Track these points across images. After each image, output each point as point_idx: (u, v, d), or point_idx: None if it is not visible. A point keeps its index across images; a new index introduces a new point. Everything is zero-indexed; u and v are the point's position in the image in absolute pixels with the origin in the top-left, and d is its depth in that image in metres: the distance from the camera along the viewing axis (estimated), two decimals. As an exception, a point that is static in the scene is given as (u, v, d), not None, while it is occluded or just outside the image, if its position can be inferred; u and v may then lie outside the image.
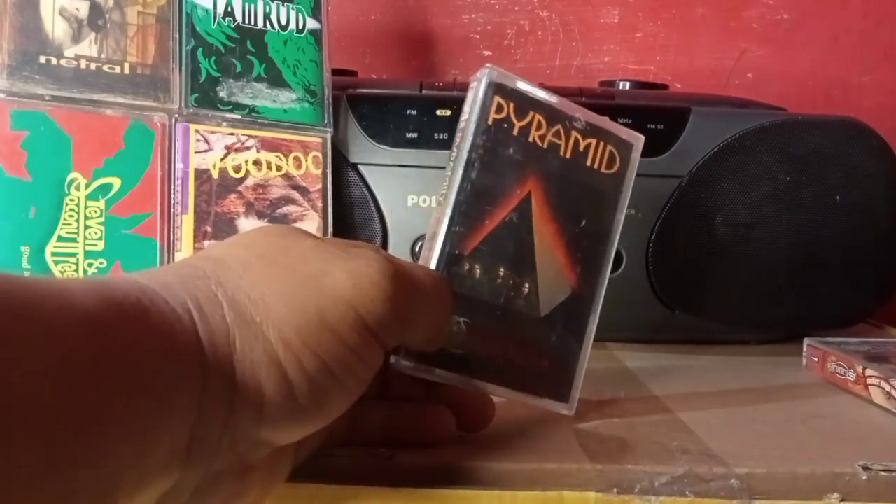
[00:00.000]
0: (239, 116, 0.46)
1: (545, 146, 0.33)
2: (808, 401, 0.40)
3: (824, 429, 0.36)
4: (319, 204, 0.48)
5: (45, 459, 0.17)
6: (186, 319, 0.22)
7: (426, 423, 0.31)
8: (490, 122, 0.32)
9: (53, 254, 0.41)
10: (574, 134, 0.34)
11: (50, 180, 0.41)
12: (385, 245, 0.48)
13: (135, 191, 0.43)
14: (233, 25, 0.47)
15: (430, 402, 0.32)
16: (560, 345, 0.34)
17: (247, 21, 0.48)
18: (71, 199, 0.42)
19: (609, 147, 0.35)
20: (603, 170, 0.35)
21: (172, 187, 0.44)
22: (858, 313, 0.53)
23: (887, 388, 0.38)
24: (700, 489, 0.29)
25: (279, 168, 0.47)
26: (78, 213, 0.42)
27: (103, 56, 0.44)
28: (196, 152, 0.45)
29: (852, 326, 0.53)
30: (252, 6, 0.48)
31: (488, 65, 0.32)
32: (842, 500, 0.30)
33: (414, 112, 0.49)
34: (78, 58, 0.43)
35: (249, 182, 0.46)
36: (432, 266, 0.31)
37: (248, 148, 0.47)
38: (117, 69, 0.44)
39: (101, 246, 0.42)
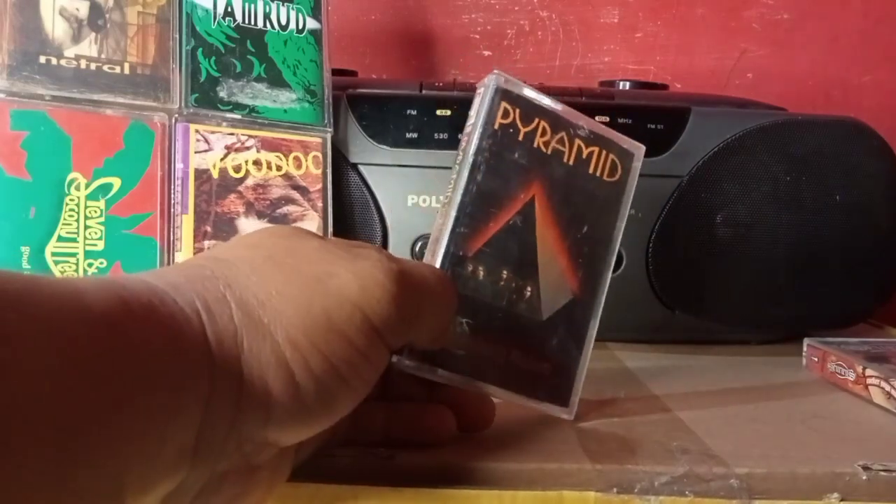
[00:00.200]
0: (239, 116, 0.46)
1: (549, 152, 0.34)
2: (808, 401, 0.40)
3: (824, 429, 0.36)
4: (319, 204, 0.48)
5: (53, 459, 0.17)
6: (195, 320, 0.22)
7: (427, 424, 0.31)
8: (496, 126, 0.32)
9: (53, 254, 0.41)
10: (577, 142, 0.34)
11: (50, 180, 0.41)
12: (385, 245, 0.48)
13: (135, 191, 0.43)
14: (233, 25, 0.47)
15: (431, 403, 0.32)
16: (561, 349, 0.34)
17: (247, 21, 0.48)
18: (71, 199, 0.42)
19: (611, 156, 0.36)
20: (605, 178, 0.35)
21: (172, 187, 0.44)
22: (858, 313, 0.53)
23: (887, 388, 0.38)
24: (700, 489, 0.29)
25: (279, 168, 0.47)
26: (78, 213, 0.42)
27: (103, 56, 0.44)
28: (196, 152, 0.45)
29: (852, 326, 0.53)
30: (252, 6, 0.48)
31: (495, 70, 0.33)
32: (842, 500, 0.30)
33: (414, 112, 0.49)
34: (78, 58, 0.43)
35: (249, 182, 0.46)
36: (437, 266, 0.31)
37: (248, 148, 0.47)
38: (117, 69, 0.44)
39: (101, 246, 0.42)
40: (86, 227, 0.42)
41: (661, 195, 0.49)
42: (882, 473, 0.30)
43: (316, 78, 0.49)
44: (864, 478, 0.30)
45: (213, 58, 0.46)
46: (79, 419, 0.18)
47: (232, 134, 0.46)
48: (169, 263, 0.44)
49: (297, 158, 0.47)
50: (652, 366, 0.47)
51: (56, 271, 0.41)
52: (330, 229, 0.48)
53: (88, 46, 0.43)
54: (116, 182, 0.43)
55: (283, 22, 0.49)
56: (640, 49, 0.80)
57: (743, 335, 0.53)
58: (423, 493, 0.29)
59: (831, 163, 0.50)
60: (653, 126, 0.49)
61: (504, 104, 0.32)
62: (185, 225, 0.44)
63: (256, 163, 0.47)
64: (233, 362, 0.22)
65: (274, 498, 0.27)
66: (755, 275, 0.50)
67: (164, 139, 0.44)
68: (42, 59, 0.42)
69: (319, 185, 0.48)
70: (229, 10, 0.47)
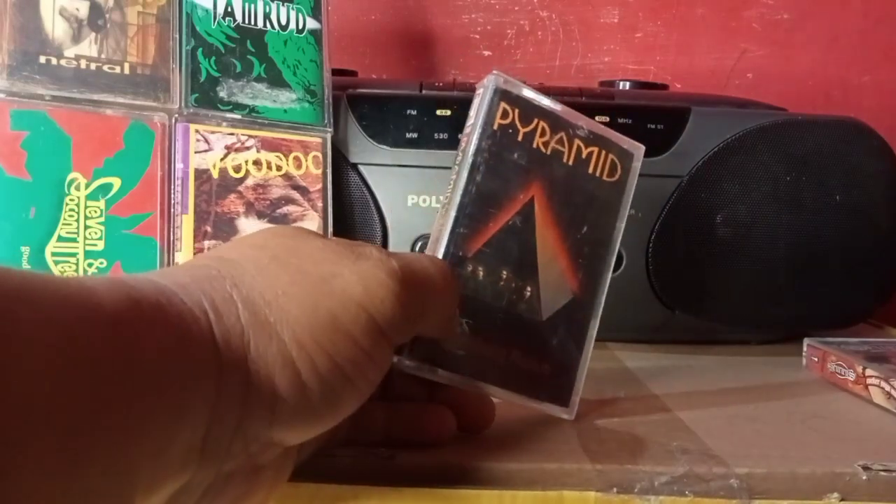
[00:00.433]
0: (239, 116, 0.46)
1: (549, 153, 0.34)
2: (808, 400, 0.40)
3: (824, 429, 0.36)
4: (319, 204, 0.48)
5: (62, 458, 0.17)
6: (202, 319, 0.22)
7: (427, 424, 0.31)
8: (496, 126, 0.32)
9: (53, 254, 0.41)
10: (577, 142, 0.34)
11: (50, 180, 0.41)
12: (385, 245, 0.48)
13: (135, 191, 0.43)
14: (233, 25, 0.47)
15: (431, 403, 0.32)
16: (561, 349, 0.34)
17: (247, 21, 0.48)
18: (71, 199, 0.42)
19: (611, 156, 0.35)
20: (604, 178, 0.35)
21: (172, 187, 0.44)
22: (858, 313, 0.53)
23: (887, 388, 0.38)
24: (700, 489, 0.29)
25: (279, 168, 0.47)
26: (78, 213, 0.42)
27: (103, 56, 0.44)
28: (196, 152, 0.45)
29: (852, 326, 0.53)
30: (252, 6, 0.48)
31: (495, 71, 0.33)
32: (842, 500, 0.30)
33: (414, 112, 0.49)
34: (78, 58, 0.43)
35: (249, 182, 0.46)
36: None
37: (248, 148, 0.47)
38: (117, 69, 0.44)
39: (101, 246, 0.42)
40: (86, 227, 0.42)
41: (661, 195, 0.49)
42: (882, 473, 0.30)
43: (316, 78, 0.49)
44: (864, 478, 0.30)
45: (213, 58, 0.46)
46: (87, 418, 0.18)
47: (232, 134, 0.46)
48: (169, 263, 0.44)
49: (297, 158, 0.47)
50: (652, 366, 0.47)
51: (56, 271, 0.41)
52: (330, 229, 0.48)
53: (88, 46, 0.43)
54: (116, 182, 0.43)
55: (283, 22, 0.49)
56: (640, 49, 0.80)
57: (743, 335, 0.53)
58: (423, 493, 0.29)
59: (831, 163, 0.50)
60: (653, 126, 0.49)
61: (503, 104, 0.32)
62: (185, 225, 0.44)
63: (256, 163, 0.47)
64: (240, 362, 0.22)
65: (274, 498, 0.27)
66: (755, 275, 0.50)
67: (164, 139, 0.44)
68: (42, 59, 0.42)
69: (319, 185, 0.48)
70: (229, 10, 0.47)
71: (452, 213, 0.31)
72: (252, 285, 0.24)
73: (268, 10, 0.48)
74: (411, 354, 0.30)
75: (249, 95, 0.47)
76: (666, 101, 0.56)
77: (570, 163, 0.34)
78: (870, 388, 0.40)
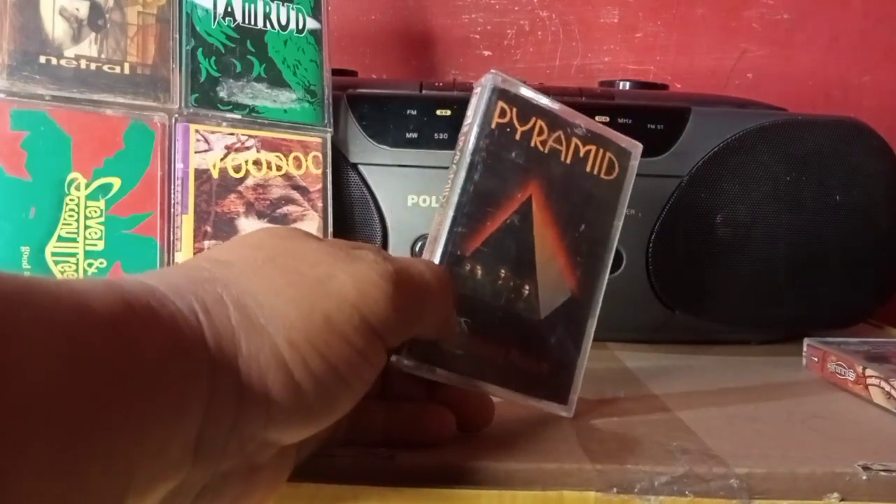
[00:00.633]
0: (239, 116, 0.46)
1: (546, 151, 0.34)
2: (808, 400, 0.40)
3: (824, 429, 0.36)
4: (319, 204, 0.48)
5: (62, 458, 0.17)
6: (193, 321, 0.22)
7: (426, 423, 0.31)
8: (493, 125, 0.32)
9: (53, 254, 0.41)
10: (574, 140, 0.34)
11: (50, 180, 0.42)
12: (385, 245, 0.48)
13: (135, 191, 0.43)
14: (233, 25, 0.47)
15: (431, 403, 0.32)
16: (559, 347, 0.34)
17: (247, 21, 0.48)
18: (71, 199, 0.42)
19: (608, 154, 0.35)
20: (602, 176, 0.35)
21: (172, 187, 0.44)
22: (858, 313, 0.53)
23: (887, 388, 0.38)
24: (700, 489, 0.29)
25: (279, 168, 0.47)
26: (78, 213, 0.42)
27: (103, 56, 0.44)
28: (196, 152, 0.45)
29: (852, 326, 0.53)
30: (252, 6, 0.48)
31: (493, 70, 0.32)
32: (842, 500, 0.30)
33: (414, 112, 0.49)
34: (78, 58, 0.43)
35: (249, 182, 0.46)
36: None
37: (248, 148, 0.47)
38: (117, 69, 0.44)
39: (101, 246, 0.42)
40: (86, 227, 0.42)
41: (661, 195, 0.49)
42: (882, 473, 0.30)
43: (316, 78, 0.49)
44: (864, 478, 0.30)
45: (213, 58, 0.46)
46: (88, 418, 0.18)
47: (232, 134, 0.46)
48: (169, 263, 0.44)
49: (297, 158, 0.47)
50: (652, 366, 0.47)
51: (56, 271, 0.41)
52: (330, 229, 0.48)
53: (88, 46, 0.43)
54: (116, 182, 0.43)
55: (283, 22, 0.49)
56: (640, 49, 0.80)
57: (743, 335, 0.53)
58: (423, 493, 0.29)
59: (831, 163, 0.50)
60: (653, 126, 0.49)
61: (501, 103, 0.32)
62: (185, 225, 0.44)
63: (256, 163, 0.47)
64: (231, 363, 0.22)
65: (274, 498, 0.27)
66: (755, 275, 0.50)
67: (164, 139, 0.44)
68: (42, 59, 0.42)
69: (319, 185, 0.48)
70: (229, 10, 0.47)
71: (450, 213, 0.31)
72: (245, 287, 0.24)
73: (268, 10, 0.48)
74: (410, 354, 0.30)
75: (249, 95, 0.47)
76: (666, 101, 0.56)
77: (568, 161, 0.34)
78: (870, 388, 0.40)
